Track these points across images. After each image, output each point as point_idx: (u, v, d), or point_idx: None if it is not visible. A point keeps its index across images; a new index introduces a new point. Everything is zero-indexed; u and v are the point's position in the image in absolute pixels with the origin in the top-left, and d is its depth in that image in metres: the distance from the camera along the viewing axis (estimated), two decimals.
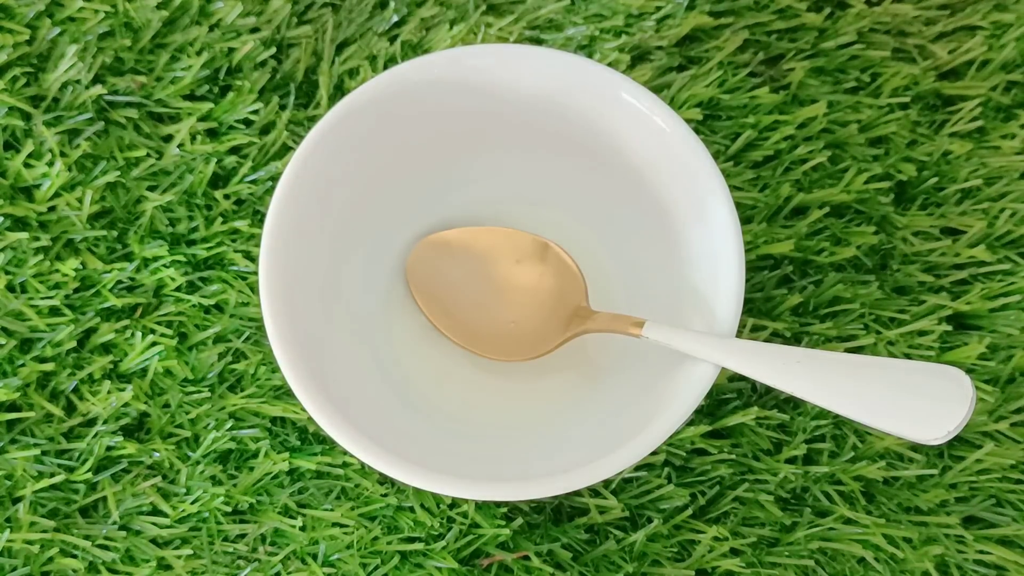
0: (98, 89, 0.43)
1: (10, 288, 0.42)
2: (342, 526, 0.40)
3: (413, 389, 0.40)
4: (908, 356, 0.42)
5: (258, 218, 0.43)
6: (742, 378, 0.42)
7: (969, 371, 0.42)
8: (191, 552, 0.40)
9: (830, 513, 0.41)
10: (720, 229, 0.36)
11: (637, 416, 0.35)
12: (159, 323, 0.42)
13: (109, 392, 0.41)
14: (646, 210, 0.39)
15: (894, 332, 0.42)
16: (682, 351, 0.35)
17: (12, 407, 0.41)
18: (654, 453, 0.40)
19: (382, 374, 0.39)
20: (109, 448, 0.40)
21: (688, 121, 0.44)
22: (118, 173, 0.42)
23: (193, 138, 0.43)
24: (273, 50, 0.44)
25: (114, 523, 0.40)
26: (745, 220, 0.43)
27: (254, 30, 0.44)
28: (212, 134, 0.44)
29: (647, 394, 0.37)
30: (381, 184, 0.40)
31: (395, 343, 0.41)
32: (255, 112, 0.43)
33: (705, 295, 0.36)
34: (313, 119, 0.44)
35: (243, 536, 0.40)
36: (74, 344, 0.41)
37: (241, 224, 0.42)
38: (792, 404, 0.42)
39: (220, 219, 0.43)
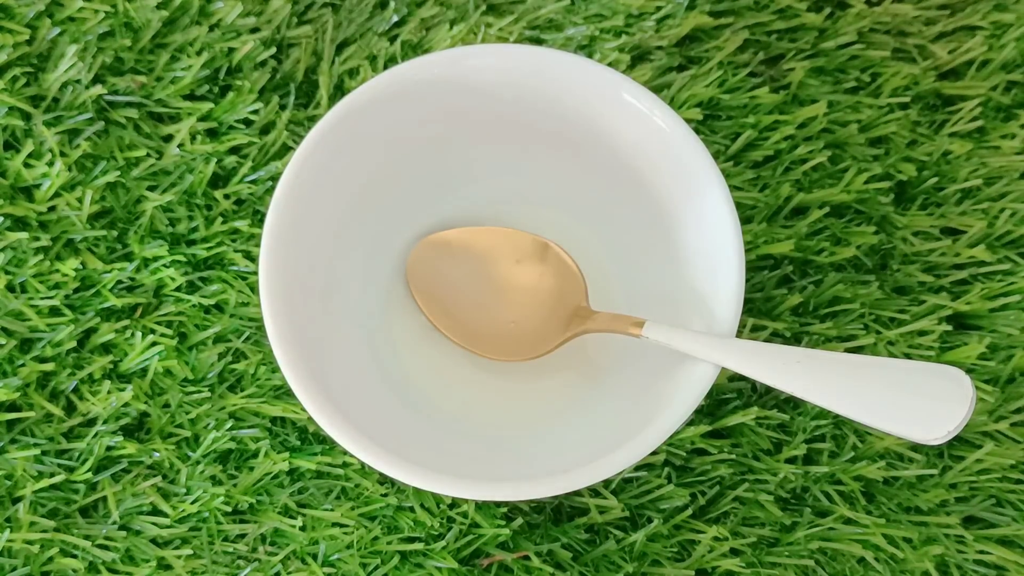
0: (98, 89, 0.43)
1: (10, 288, 0.42)
2: (342, 526, 0.40)
3: (413, 389, 0.40)
4: (908, 356, 0.42)
5: (258, 218, 0.43)
6: (742, 378, 0.42)
7: (969, 371, 0.42)
8: (191, 552, 0.40)
9: (830, 513, 0.41)
10: (720, 229, 0.36)
11: (637, 416, 0.35)
12: (159, 323, 0.42)
13: (109, 392, 0.41)
14: (646, 210, 0.39)
15: (894, 332, 0.42)
16: (682, 351, 0.35)
17: (12, 407, 0.41)
18: (654, 453, 0.40)
19: (382, 374, 0.39)
20: (109, 448, 0.40)
21: (688, 121, 0.44)
22: (118, 173, 0.42)
23: (193, 138, 0.43)
24: (273, 50, 0.44)
25: (114, 523, 0.40)
26: (745, 220, 0.43)
27: (254, 30, 0.44)
28: (212, 134, 0.44)
29: (647, 394, 0.37)
30: (381, 184, 0.40)
31: (395, 343, 0.41)
32: (255, 112, 0.43)
33: (705, 295, 0.36)
34: (313, 119, 0.44)
35: (243, 536, 0.40)
36: (74, 344, 0.41)
37: (241, 224, 0.42)
38: (792, 404, 0.42)
39: (220, 219, 0.43)
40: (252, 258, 0.42)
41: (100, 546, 0.40)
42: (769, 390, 0.42)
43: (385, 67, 0.44)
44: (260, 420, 0.41)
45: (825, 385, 0.32)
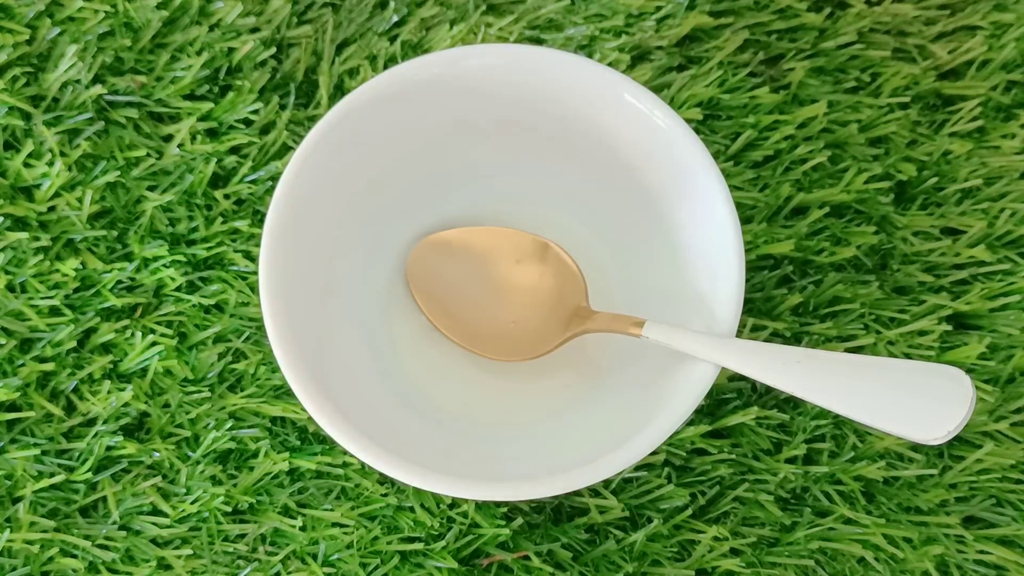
0: (98, 89, 0.43)
1: (10, 288, 0.42)
2: (342, 526, 0.40)
3: (413, 389, 0.40)
4: (908, 356, 0.42)
5: (258, 218, 0.43)
6: (742, 378, 0.42)
7: (969, 371, 0.42)
8: (191, 552, 0.40)
9: (830, 513, 0.41)
10: (720, 229, 0.36)
11: (637, 416, 0.35)
12: (159, 323, 0.42)
13: (109, 392, 0.41)
14: (646, 210, 0.39)
15: (894, 332, 0.42)
16: (682, 351, 0.35)
17: (12, 407, 0.41)
18: (654, 453, 0.40)
19: (382, 374, 0.39)
20: (109, 448, 0.40)
21: (688, 121, 0.44)
22: (118, 173, 0.42)
23: (193, 138, 0.43)
24: (273, 50, 0.44)
25: (114, 523, 0.40)
26: (745, 220, 0.43)
27: (254, 30, 0.44)
28: (212, 134, 0.44)
29: (647, 394, 0.37)
30: (381, 184, 0.40)
31: (395, 343, 0.41)
32: (255, 112, 0.43)
33: (705, 295, 0.36)
34: (313, 119, 0.44)
35: (243, 536, 0.40)
36: (74, 344, 0.41)
37: (241, 224, 0.42)
38: (792, 404, 0.42)
39: (220, 219, 0.43)
40: (252, 258, 0.42)
41: (100, 546, 0.40)
42: (769, 390, 0.42)
43: (385, 67, 0.44)
44: (260, 420, 0.41)
45: (825, 385, 0.32)
